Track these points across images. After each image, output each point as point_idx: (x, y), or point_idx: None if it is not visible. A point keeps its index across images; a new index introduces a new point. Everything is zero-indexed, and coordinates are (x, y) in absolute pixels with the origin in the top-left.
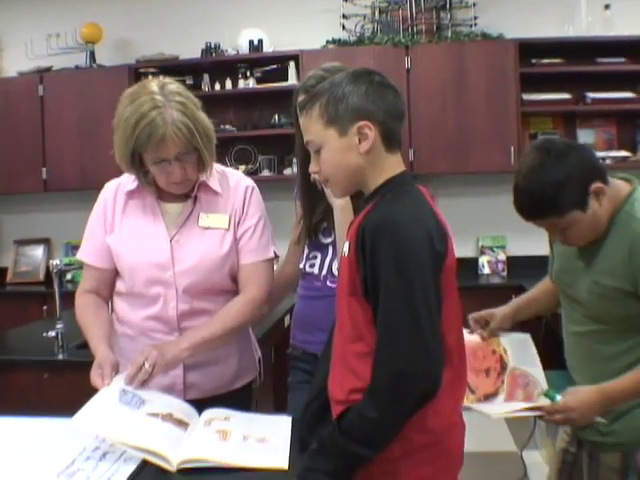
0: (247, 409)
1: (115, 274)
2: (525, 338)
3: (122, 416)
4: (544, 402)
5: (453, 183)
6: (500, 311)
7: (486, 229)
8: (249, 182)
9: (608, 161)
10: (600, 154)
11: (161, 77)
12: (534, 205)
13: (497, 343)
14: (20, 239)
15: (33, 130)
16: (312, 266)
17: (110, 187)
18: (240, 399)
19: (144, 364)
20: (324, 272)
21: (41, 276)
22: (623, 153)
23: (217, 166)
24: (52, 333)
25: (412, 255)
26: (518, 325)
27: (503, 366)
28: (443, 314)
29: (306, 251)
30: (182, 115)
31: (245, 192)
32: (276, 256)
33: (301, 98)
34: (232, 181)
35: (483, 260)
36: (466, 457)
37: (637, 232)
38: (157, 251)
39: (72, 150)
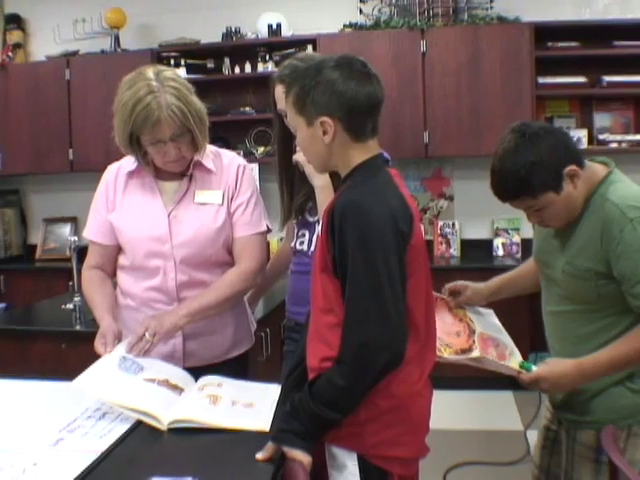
0: (243, 377)
1: (118, 250)
2: (489, 312)
3: (119, 380)
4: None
5: (468, 165)
6: (474, 286)
7: (501, 211)
8: (241, 161)
9: (624, 145)
10: (616, 138)
11: (157, 65)
12: (508, 186)
13: (463, 314)
14: (48, 217)
15: (60, 112)
16: (301, 243)
17: (111, 169)
18: (236, 367)
19: (145, 334)
20: (312, 248)
21: (68, 253)
22: (639, 137)
23: (211, 147)
24: (70, 306)
25: (376, 234)
26: (526, 304)
27: (471, 331)
28: (409, 290)
29: (296, 230)
30: (176, 99)
31: (237, 170)
32: (269, 230)
33: (277, 87)
34: (225, 160)
35: (498, 242)
36: (471, 434)
37: (609, 213)
38: (156, 225)
39: (97, 132)
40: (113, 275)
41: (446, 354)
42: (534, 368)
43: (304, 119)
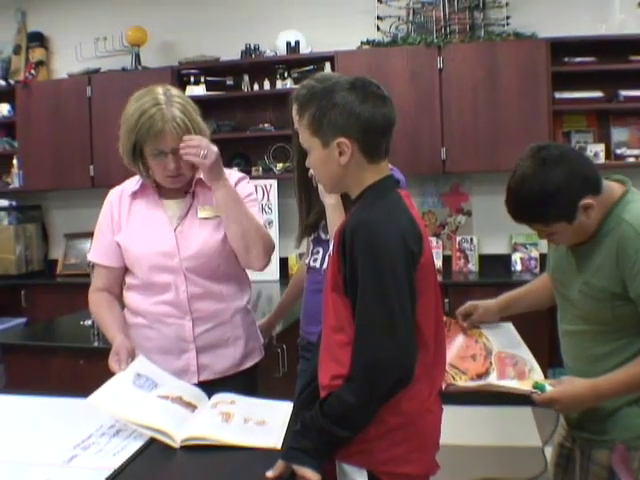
0: (254, 388)
1: (123, 272)
2: (507, 326)
3: (134, 397)
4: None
5: (486, 181)
6: (483, 304)
7: (519, 226)
8: (240, 175)
9: None
10: (634, 152)
11: (167, 85)
12: (522, 212)
13: (479, 334)
14: (69, 233)
15: (81, 129)
16: (315, 261)
17: (115, 192)
18: (248, 379)
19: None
20: (325, 266)
21: (88, 269)
22: None
23: None
24: (88, 322)
25: (386, 254)
26: (544, 320)
27: (488, 352)
28: (419, 307)
29: (310, 247)
30: (180, 113)
31: (237, 181)
32: None
33: (294, 107)
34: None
35: (516, 257)
36: (489, 450)
37: (625, 234)
38: (163, 241)
39: (118, 148)
40: (120, 297)
41: (461, 382)
42: (548, 388)
43: (320, 140)
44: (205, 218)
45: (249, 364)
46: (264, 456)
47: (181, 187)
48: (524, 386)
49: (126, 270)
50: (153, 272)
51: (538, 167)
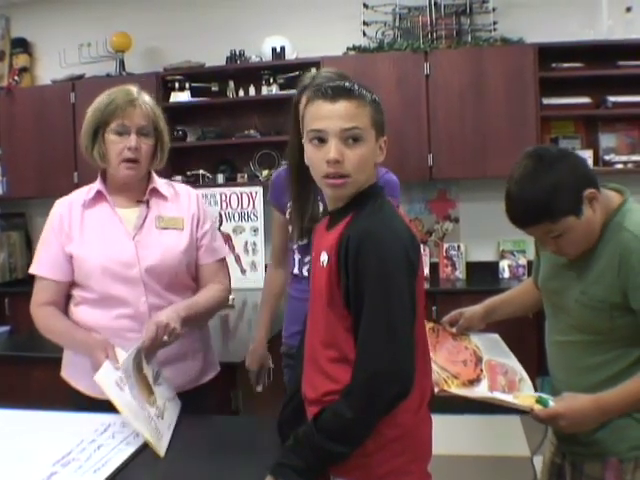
0: (213, 402)
1: (69, 286)
2: (495, 337)
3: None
4: (528, 393)
5: (473, 187)
6: (469, 310)
7: (507, 233)
8: (196, 191)
9: (630, 165)
10: (622, 158)
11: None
12: (528, 211)
13: (468, 341)
14: None
15: (65, 136)
16: (308, 270)
17: (62, 203)
18: (206, 393)
19: (164, 338)
20: None
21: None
22: None
23: (163, 179)
24: None
25: (392, 267)
26: (533, 329)
27: (478, 359)
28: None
29: (298, 257)
30: (151, 101)
31: (197, 200)
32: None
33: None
34: (179, 189)
35: (504, 264)
36: (477, 460)
37: (627, 243)
38: (122, 251)
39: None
40: (65, 312)
41: (453, 387)
42: (551, 403)
43: (375, 132)
44: (164, 228)
45: (206, 379)
46: (248, 467)
47: (134, 195)
48: (525, 402)
49: (73, 284)
50: (111, 284)
51: (537, 164)
